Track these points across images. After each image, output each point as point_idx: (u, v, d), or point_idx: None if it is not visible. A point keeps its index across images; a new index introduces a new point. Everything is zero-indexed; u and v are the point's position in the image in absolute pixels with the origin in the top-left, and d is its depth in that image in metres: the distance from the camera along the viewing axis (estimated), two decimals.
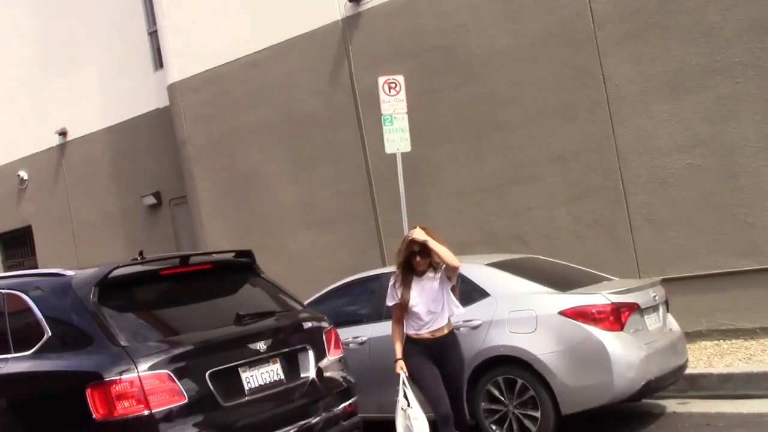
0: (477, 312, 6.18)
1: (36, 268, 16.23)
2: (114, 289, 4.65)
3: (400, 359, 5.23)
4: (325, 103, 11.72)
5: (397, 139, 9.76)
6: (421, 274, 5.27)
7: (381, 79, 9.80)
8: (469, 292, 6.30)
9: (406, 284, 5.24)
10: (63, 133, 16.50)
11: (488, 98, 10.23)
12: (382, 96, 9.77)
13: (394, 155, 9.77)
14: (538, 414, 5.76)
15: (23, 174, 17.37)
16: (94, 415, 4.05)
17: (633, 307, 5.99)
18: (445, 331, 5.32)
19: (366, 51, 11.22)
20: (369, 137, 11.16)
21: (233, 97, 12.64)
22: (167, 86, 13.61)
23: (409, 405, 4.94)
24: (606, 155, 9.36)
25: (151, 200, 14.89)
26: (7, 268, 18.14)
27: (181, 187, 13.86)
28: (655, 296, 6.38)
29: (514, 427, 5.86)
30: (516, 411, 5.86)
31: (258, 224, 12.27)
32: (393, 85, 9.84)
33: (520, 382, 5.85)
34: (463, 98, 10.42)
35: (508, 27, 10.01)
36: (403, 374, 5.10)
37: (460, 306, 5.43)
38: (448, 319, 5.37)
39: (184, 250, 13.50)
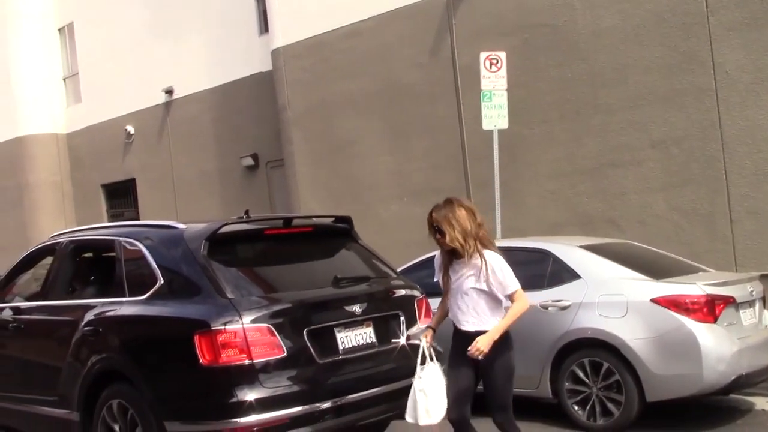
0: (566, 293, 6.21)
1: (137, 219, 17.05)
2: (222, 244, 4.91)
3: (429, 327, 4.63)
4: (424, 75, 11.79)
5: (495, 115, 9.76)
6: (458, 256, 4.32)
7: (483, 55, 9.80)
8: (560, 273, 6.35)
9: (444, 266, 4.45)
10: (169, 92, 17.13)
11: (591, 79, 10.09)
12: (483, 72, 9.77)
13: (490, 132, 9.78)
14: (622, 398, 5.78)
15: (130, 129, 18.15)
16: (200, 360, 4.32)
17: (728, 300, 5.89)
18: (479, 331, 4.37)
19: (469, 25, 11.20)
20: (466, 112, 11.18)
21: (334, 65, 12.85)
22: (271, 51, 13.93)
23: (419, 377, 4.31)
24: (710, 144, 9.13)
25: (249, 161, 15.36)
26: (111, 217, 19.09)
27: (278, 150, 14.23)
28: (752, 291, 6.24)
29: (597, 409, 5.90)
30: (600, 393, 5.89)
31: (351, 191, 12.51)
32: (494, 61, 9.83)
33: (605, 365, 5.87)
34: (565, 78, 10.30)
35: (617, 6, 9.82)
36: (424, 341, 4.43)
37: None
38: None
39: (278, 212, 13.92)
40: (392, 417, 5.15)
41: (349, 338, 4.83)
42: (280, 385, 4.42)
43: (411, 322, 5.22)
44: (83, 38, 19.58)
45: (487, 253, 4.26)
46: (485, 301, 4.28)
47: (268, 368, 4.39)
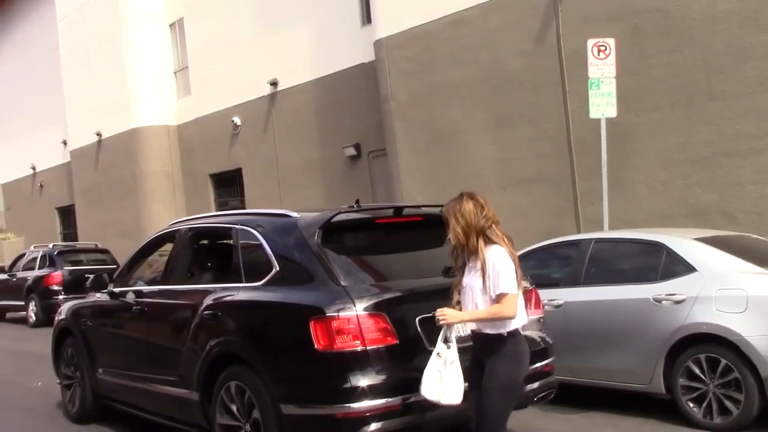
0: (681, 287, 6.01)
1: (243, 207, 17.57)
2: (334, 233, 5.02)
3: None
4: (529, 63, 11.62)
5: (602, 103, 9.55)
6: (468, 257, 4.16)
7: (590, 42, 9.59)
8: (674, 266, 6.16)
9: (461, 265, 4.24)
10: (274, 83, 17.55)
11: (704, 65, 9.70)
12: (591, 59, 9.57)
13: (597, 120, 9.58)
14: (741, 397, 5.56)
15: (237, 120, 18.70)
16: (315, 345, 4.43)
17: None
18: (481, 332, 4.17)
19: (576, 11, 10.96)
20: (572, 100, 10.96)
21: (437, 55, 12.84)
22: (374, 42, 14.04)
23: (448, 348, 4.10)
24: None
25: (351, 151, 15.56)
26: (218, 206, 19.75)
27: (380, 140, 14.35)
28: None
29: (714, 407, 5.70)
30: (717, 391, 5.69)
31: (454, 181, 12.46)
32: (603, 48, 9.61)
33: (723, 362, 5.66)
34: (677, 64, 9.94)
35: None
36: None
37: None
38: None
39: (380, 201, 14.06)
40: None
41: (458, 327, 4.83)
42: (392, 372, 4.47)
43: None
44: (192, 33, 20.30)
45: (489, 248, 4.05)
46: (488, 300, 4.05)
47: (380, 355, 4.46)
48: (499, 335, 4.07)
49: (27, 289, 16.93)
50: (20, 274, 17.72)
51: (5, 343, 14.17)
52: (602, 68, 9.58)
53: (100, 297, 7.01)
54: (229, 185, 19.63)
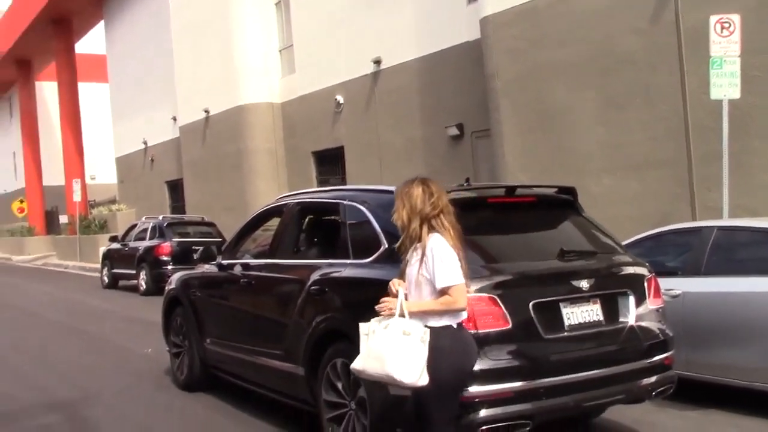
0: None
1: (344, 185, 17.66)
2: None
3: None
4: (644, 41, 11.09)
5: (725, 84, 9.01)
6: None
7: (713, 18, 9.04)
8: None
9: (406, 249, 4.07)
10: (377, 62, 17.50)
11: None
12: (713, 36, 9.03)
13: (718, 102, 9.06)
14: None
15: (339, 98, 18.79)
16: None
17: None
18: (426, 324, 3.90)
19: None
20: (690, 80, 10.40)
21: (545, 32, 12.44)
22: (480, 19, 13.74)
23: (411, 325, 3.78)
24: None
25: (454, 131, 15.36)
26: (319, 184, 19.96)
27: (484, 120, 14.08)
28: None
29: None
30: None
31: (560, 163, 12.11)
32: (726, 25, 9.04)
33: None
34: None
35: None
36: (401, 290, 3.90)
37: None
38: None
39: (483, 182, 13.82)
40: (615, 401, 4.92)
41: (575, 314, 4.64)
42: (503, 357, 4.33)
43: (640, 301, 4.94)
44: (297, 12, 20.48)
45: (431, 237, 3.84)
46: (430, 291, 3.84)
47: (492, 339, 4.31)
48: (448, 327, 3.83)
49: (138, 258, 17.61)
50: (132, 244, 18.46)
51: (118, 309, 14.79)
52: (725, 46, 9.01)
53: (208, 268, 7.15)
54: (330, 163, 19.79)
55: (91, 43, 42.89)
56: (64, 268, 29.58)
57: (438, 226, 3.89)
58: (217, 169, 22.85)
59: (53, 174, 43.73)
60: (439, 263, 3.78)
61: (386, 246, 4.90)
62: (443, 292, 3.80)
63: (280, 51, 21.61)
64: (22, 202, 42.78)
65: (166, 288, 7.96)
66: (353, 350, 4.80)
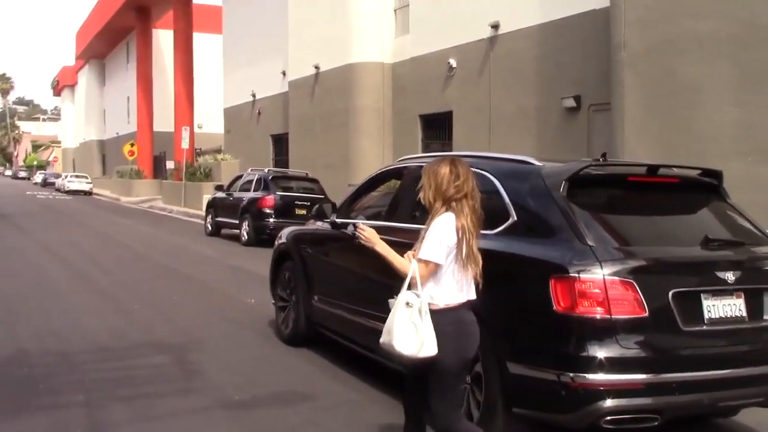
0: None
1: (449, 151, 17.38)
2: (580, 187, 4.59)
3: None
4: None
5: None
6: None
7: None
8: None
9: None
10: (495, 26, 17.02)
11: None
12: None
13: None
14: None
15: (452, 62, 18.42)
16: (554, 306, 4.08)
17: None
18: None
19: None
20: None
21: (681, 3, 11.68)
22: None
23: (417, 296, 3.74)
24: None
25: (570, 103, 14.81)
26: (424, 147, 19.73)
27: (604, 93, 13.47)
28: None
29: None
30: None
31: (684, 143, 11.45)
32: None
33: None
34: None
35: None
36: (414, 263, 3.81)
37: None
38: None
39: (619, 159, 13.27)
40: (752, 404, 4.56)
41: (717, 308, 4.29)
42: (636, 347, 4.04)
43: None
44: None
45: (442, 215, 3.76)
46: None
47: (626, 327, 4.03)
48: (435, 307, 3.73)
49: (242, 209, 17.93)
50: (236, 194, 18.80)
51: (221, 257, 15.12)
52: None
53: (321, 226, 7.07)
54: (437, 127, 19.51)
55: None
56: (168, 212, 30.60)
57: (456, 209, 3.76)
58: (323, 125, 22.94)
59: (163, 120, 45.20)
60: (429, 237, 3.73)
61: (515, 218, 4.66)
62: (421, 262, 3.73)
63: (395, 10, 21.33)
64: (132, 145, 44.46)
65: (277, 241, 7.95)
66: None
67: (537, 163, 4.90)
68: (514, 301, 4.44)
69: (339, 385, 6.13)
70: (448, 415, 3.79)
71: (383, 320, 5.59)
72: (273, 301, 7.91)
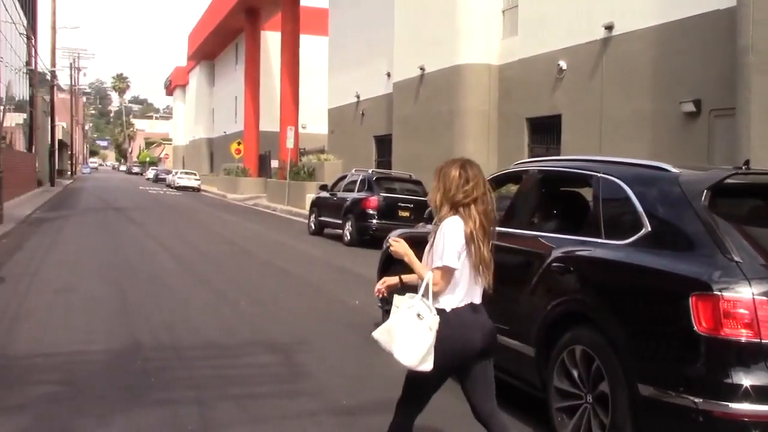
0: None
1: (557, 155, 16.89)
2: (723, 196, 4.26)
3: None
4: None
5: None
6: None
7: None
8: None
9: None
10: (609, 27, 16.41)
11: None
12: None
13: None
14: None
15: (562, 64, 17.89)
16: (695, 326, 3.76)
17: None
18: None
19: None
20: None
21: None
22: None
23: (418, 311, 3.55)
24: None
25: (690, 107, 14.09)
26: (530, 151, 19.29)
27: (727, 97, 12.74)
28: None
29: None
30: None
31: None
32: None
33: None
34: None
35: None
36: (430, 274, 3.62)
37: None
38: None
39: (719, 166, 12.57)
40: None
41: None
42: None
43: None
44: None
45: (449, 219, 3.63)
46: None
47: None
48: (440, 310, 3.59)
49: (345, 209, 17.99)
50: (340, 194, 18.89)
51: (324, 257, 15.19)
52: None
53: (432, 229, 6.88)
54: (544, 131, 19.01)
55: None
56: (272, 210, 31.18)
57: (464, 213, 3.63)
58: (427, 127, 22.78)
59: (269, 120, 46.20)
60: (439, 243, 3.60)
61: (648, 228, 4.35)
62: (437, 270, 3.61)
63: (503, 11, 20.95)
64: (239, 144, 45.64)
65: (385, 244, 7.84)
66: (598, 340, 4.36)
67: (673, 169, 4.56)
68: (647, 319, 4.12)
69: (450, 396, 5.92)
70: (403, 404, 3.78)
71: (500, 331, 5.38)
72: (379, 305, 7.79)
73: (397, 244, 3.82)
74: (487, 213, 3.68)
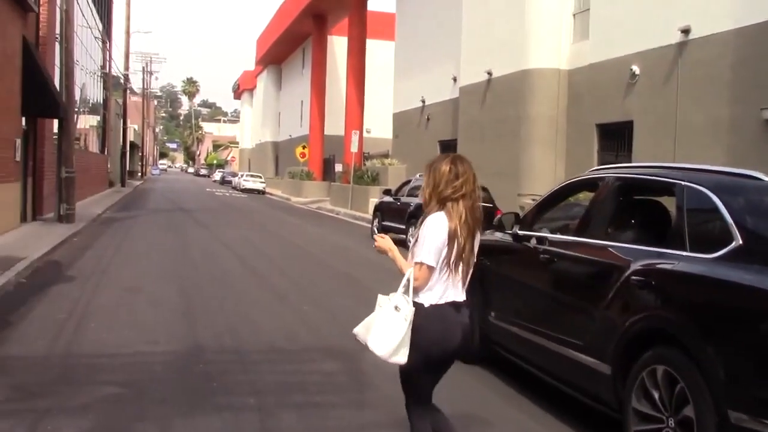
0: None
1: (628, 162, 16.36)
2: None
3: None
4: None
5: None
6: None
7: None
8: None
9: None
10: (685, 31, 15.82)
11: None
12: None
13: None
14: None
15: (635, 68, 17.35)
16: None
17: None
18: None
19: None
20: None
21: None
22: None
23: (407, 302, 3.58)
24: None
25: None
26: (600, 158, 18.77)
27: None
28: None
29: None
30: None
31: None
32: None
33: None
34: None
35: None
36: (411, 271, 3.61)
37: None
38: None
39: None
40: None
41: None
42: None
43: None
44: None
45: (432, 215, 3.62)
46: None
47: None
48: (419, 305, 3.60)
49: (409, 214, 17.79)
50: (404, 199, 18.72)
51: (388, 262, 14.92)
52: None
53: (501, 237, 6.66)
54: (615, 138, 18.47)
55: (382, 1, 44.50)
56: (335, 214, 31.23)
57: (450, 208, 3.60)
58: (493, 132, 22.45)
59: (334, 124, 46.44)
60: (420, 239, 3.59)
61: (740, 242, 4.05)
62: (416, 265, 3.60)
63: (574, 15, 20.50)
64: (304, 147, 45.99)
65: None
66: (683, 360, 4.08)
67: (766, 178, 4.25)
68: (738, 339, 3.81)
69: (517, 412, 5.69)
70: (408, 406, 3.76)
71: (573, 347, 5.13)
72: None
73: (382, 240, 3.78)
74: (474, 209, 3.66)
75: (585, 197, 6.69)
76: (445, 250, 3.56)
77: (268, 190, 52.74)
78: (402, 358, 3.53)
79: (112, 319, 7.97)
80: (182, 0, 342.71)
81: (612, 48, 18.25)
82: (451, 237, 3.55)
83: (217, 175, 77.52)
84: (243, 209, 31.29)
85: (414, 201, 17.92)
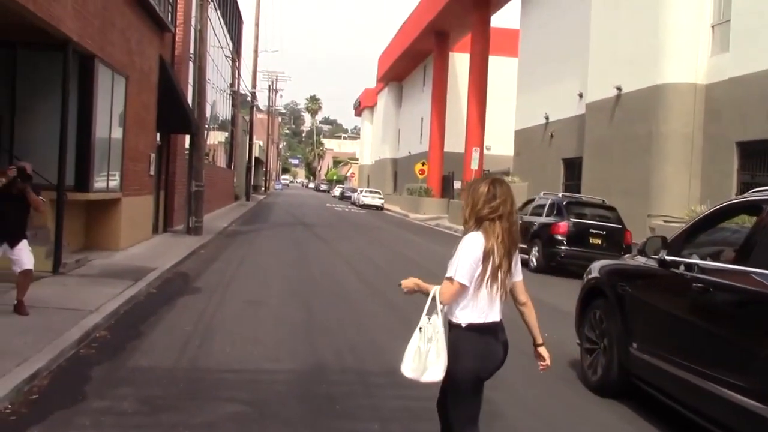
0: None
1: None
2: None
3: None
4: None
5: None
6: None
7: None
8: None
9: None
10: None
11: None
12: None
13: None
14: None
15: None
16: None
17: None
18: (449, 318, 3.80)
19: None
20: None
21: None
22: None
23: (429, 321, 3.64)
24: None
25: None
26: (740, 178, 17.58)
27: None
28: None
29: None
30: None
31: None
32: None
33: None
34: None
35: None
36: (436, 289, 3.68)
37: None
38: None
39: None
40: None
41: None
42: None
43: None
44: None
45: (469, 234, 3.67)
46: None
47: None
48: (456, 325, 3.67)
49: (532, 233, 17.26)
50: (527, 218, 18.15)
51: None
52: None
53: (645, 263, 6.15)
54: (758, 156, 17.24)
55: (505, 17, 44.05)
56: (453, 231, 30.87)
57: (487, 227, 3.63)
58: (622, 150, 21.54)
59: (453, 141, 46.22)
60: (456, 255, 3.63)
61: None
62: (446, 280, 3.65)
63: (712, 26, 19.39)
64: (423, 164, 45.96)
65: (586, 276, 7.18)
66: None
67: None
68: None
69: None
70: (462, 427, 3.71)
71: (735, 388, 4.59)
72: (578, 341, 7.12)
73: (405, 282, 3.82)
74: (511, 232, 3.68)
75: (742, 221, 6.10)
76: (480, 269, 3.58)
77: (386, 206, 53.02)
78: (434, 375, 3.59)
79: (235, 333, 7.97)
80: (307, 20, 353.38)
81: (756, 61, 17.10)
82: (486, 255, 3.59)
83: (337, 191, 78.88)
84: (362, 225, 31.47)
85: (537, 220, 17.38)
